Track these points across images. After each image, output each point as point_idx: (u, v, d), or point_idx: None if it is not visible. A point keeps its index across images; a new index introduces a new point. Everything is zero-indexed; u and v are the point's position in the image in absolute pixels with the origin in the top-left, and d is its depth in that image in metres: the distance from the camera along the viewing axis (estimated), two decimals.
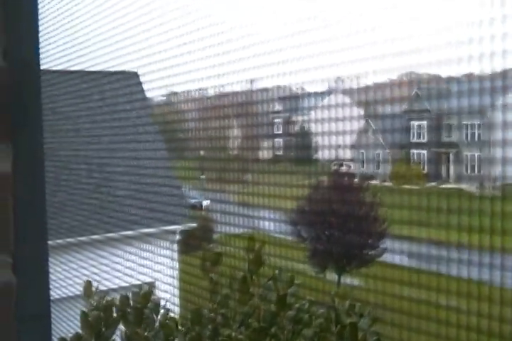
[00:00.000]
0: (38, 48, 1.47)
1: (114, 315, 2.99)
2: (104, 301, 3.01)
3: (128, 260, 7.96)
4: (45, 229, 1.45)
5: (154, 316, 2.93)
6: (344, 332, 2.70)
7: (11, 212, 1.37)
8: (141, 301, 2.88)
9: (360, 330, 2.73)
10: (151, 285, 6.31)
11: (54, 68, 7.88)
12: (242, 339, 2.60)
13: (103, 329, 2.91)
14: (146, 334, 2.89)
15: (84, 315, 2.91)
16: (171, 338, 2.84)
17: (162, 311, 2.97)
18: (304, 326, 2.72)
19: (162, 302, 3.17)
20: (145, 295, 2.91)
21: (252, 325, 2.67)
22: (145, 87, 10.06)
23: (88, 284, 3.15)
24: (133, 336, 2.87)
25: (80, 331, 2.94)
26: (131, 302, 2.92)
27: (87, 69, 8.72)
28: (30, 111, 1.42)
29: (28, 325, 1.44)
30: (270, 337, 2.75)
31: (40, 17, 1.71)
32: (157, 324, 2.94)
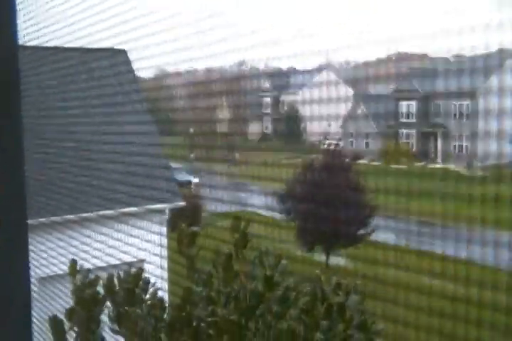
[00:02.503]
0: (15, 24, 1.43)
1: (101, 293, 2.99)
2: (87, 280, 3.00)
3: (117, 238, 7.95)
4: (24, 208, 1.43)
5: (143, 296, 2.94)
6: (331, 310, 2.72)
7: None
8: (131, 281, 2.88)
9: (347, 308, 2.76)
10: (142, 263, 6.31)
11: (37, 44, 7.76)
12: (228, 319, 2.61)
13: (94, 306, 2.92)
14: (136, 312, 2.90)
15: (76, 292, 2.91)
16: (160, 317, 2.86)
17: (151, 290, 2.97)
18: (291, 305, 2.74)
19: (151, 281, 3.17)
20: (136, 274, 2.90)
21: (238, 304, 2.68)
22: (133, 64, 9.95)
23: (73, 263, 3.13)
24: (123, 315, 2.87)
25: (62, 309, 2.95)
26: (119, 282, 2.93)
27: (72, 46, 8.61)
28: (9, 86, 1.39)
29: (8, 304, 1.42)
30: (257, 316, 2.77)
31: None
32: (146, 303, 2.95)
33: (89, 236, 8.01)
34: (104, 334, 3.03)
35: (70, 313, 2.83)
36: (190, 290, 2.70)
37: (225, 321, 2.65)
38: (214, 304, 2.72)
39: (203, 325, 2.73)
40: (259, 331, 2.71)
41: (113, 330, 2.94)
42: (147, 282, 2.92)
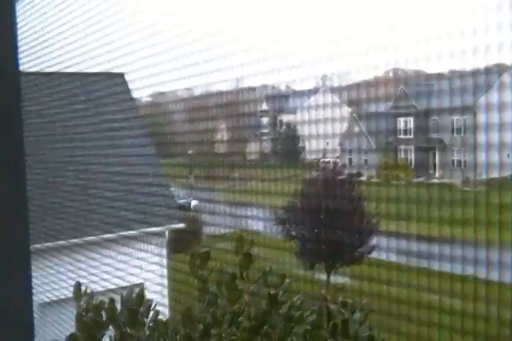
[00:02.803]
0: (16, 49, 1.44)
1: (104, 317, 2.97)
2: (93, 303, 2.99)
3: (118, 261, 7.93)
4: (26, 233, 1.42)
5: (144, 318, 2.92)
6: (336, 329, 2.70)
7: None
8: (134, 303, 2.87)
9: (352, 325, 2.74)
10: (141, 287, 6.27)
11: (36, 70, 7.83)
12: (233, 339, 2.59)
13: (96, 330, 2.90)
14: (138, 335, 2.88)
15: (79, 317, 2.89)
16: (162, 339, 2.84)
17: (152, 313, 2.96)
18: (296, 324, 2.72)
19: (152, 304, 3.16)
20: (138, 296, 2.89)
21: (242, 323, 2.67)
22: (131, 87, 10.01)
23: (77, 286, 3.13)
24: (125, 337, 2.85)
25: (68, 334, 2.93)
26: (122, 304, 2.91)
27: (72, 71, 8.68)
28: (11, 113, 1.39)
29: (10, 331, 1.41)
30: (262, 335, 2.75)
31: (18, 19, 1.68)
32: (148, 325, 2.92)
33: (90, 260, 8.00)
34: None
35: (71, 338, 2.82)
36: (191, 311, 2.69)
37: None
38: (218, 324, 2.71)
39: None
40: None
41: None
42: (149, 305, 2.91)
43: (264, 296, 2.72)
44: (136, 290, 3.13)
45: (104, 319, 2.94)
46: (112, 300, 2.90)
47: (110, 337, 2.98)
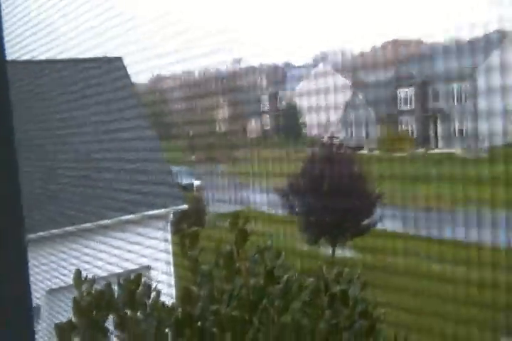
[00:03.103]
0: (2, 39, 1.42)
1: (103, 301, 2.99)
2: (94, 289, 3.00)
3: (122, 246, 7.94)
4: (21, 223, 1.42)
5: (146, 300, 2.93)
6: (334, 299, 2.71)
7: None
8: (131, 284, 2.88)
9: (350, 297, 2.75)
10: (147, 269, 6.32)
11: (29, 58, 7.78)
12: (232, 315, 2.60)
13: (94, 315, 2.91)
14: (138, 316, 2.90)
15: (76, 302, 2.90)
16: (162, 319, 2.85)
17: (153, 294, 2.97)
18: (294, 297, 2.73)
19: (153, 285, 3.17)
20: (135, 278, 2.90)
21: (241, 300, 2.67)
22: (129, 70, 9.95)
23: (77, 273, 3.13)
24: (124, 320, 2.87)
25: (71, 318, 2.95)
26: (118, 287, 2.92)
27: (68, 58, 8.62)
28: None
29: (10, 320, 1.42)
30: (260, 311, 2.76)
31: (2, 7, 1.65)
32: (149, 306, 2.94)
33: (93, 246, 8.02)
34: None
35: (71, 323, 2.83)
36: (189, 290, 2.70)
37: (228, 318, 2.64)
38: (217, 302, 2.72)
39: (206, 324, 2.72)
40: (263, 326, 2.70)
41: (117, 337, 2.94)
42: (148, 286, 2.92)
43: (261, 270, 2.73)
44: (137, 273, 3.14)
45: (103, 304, 2.95)
46: (109, 284, 2.92)
47: (113, 321, 2.99)
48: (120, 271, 6.28)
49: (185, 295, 2.78)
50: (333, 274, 2.85)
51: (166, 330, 2.79)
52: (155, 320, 2.79)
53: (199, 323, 2.75)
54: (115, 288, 2.94)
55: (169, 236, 9.63)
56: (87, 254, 7.51)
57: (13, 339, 1.39)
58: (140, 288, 2.91)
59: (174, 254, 8.52)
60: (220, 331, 2.68)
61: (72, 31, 6.19)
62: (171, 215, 10.28)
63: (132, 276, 2.98)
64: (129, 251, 7.52)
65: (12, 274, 1.39)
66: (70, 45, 6.76)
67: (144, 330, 2.74)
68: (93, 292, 3.00)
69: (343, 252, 14.79)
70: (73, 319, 2.86)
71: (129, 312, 2.84)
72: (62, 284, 6.93)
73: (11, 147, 1.38)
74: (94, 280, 3.14)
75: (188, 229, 2.91)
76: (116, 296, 2.86)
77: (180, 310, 2.84)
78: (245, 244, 2.87)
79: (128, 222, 9.17)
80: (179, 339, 2.78)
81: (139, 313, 2.91)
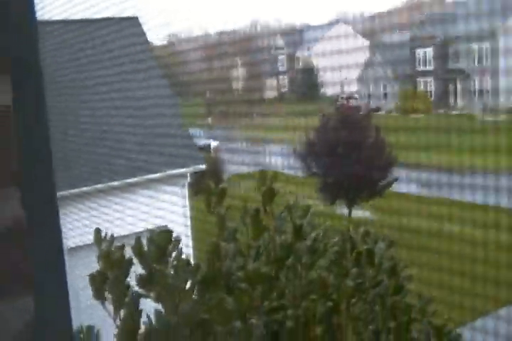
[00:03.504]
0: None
1: (127, 256, 3.03)
2: (114, 245, 3.04)
3: (142, 204, 8.02)
4: (51, 178, 1.43)
5: (172, 255, 2.97)
6: (360, 258, 2.74)
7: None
8: (163, 238, 2.92)
9: (376, 256, 2.78)
10: (167, 228, 6.36)
11: (52, 18, 7.73)
12: (259, 271, 2.64)
13: (123, 269, 2.96)
14: (165, 272, 2.94)
15: (104, 254, 2.95)
16: (189, 275, 2.89)
17: (175, 252, 3.01)
18: (320, 255, 2.76)
19: (179, 243, 3.21)
20: (166, 233, 2.94)
21: (268, 256, 2.71)
22: (146, 30, 9.88)
23: (97, 231, 3.18)
24: (154, 274, 2.91)
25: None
26: (148, 242, 2.97)
27: (85, 18, 8.56)
28: (30, 63, 1.37)
29: (43, 272, 1.44)
30: (287, 268, 2.80)
31: None
32: (172, 263, 2.98)
33: (116, 204, 8.10)
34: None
35: (101, 275, 2.88)
36: (217, 245, 2.73)
37: (256, 274, 2.68)
38: (244, 259, 2.75)
39: (233, 279, 2.76)
40: (289, 282, 2.74)
41: (141, 294, 2.98)
42: (178, 240, 2.96)
43: (288, 228, 2.75)
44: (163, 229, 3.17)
45: (129, 257, 2.99)
46: (139, 239, 2.95)
47: (136, 274, 3.03)
48: (137, 230, 6.34)
49: (213, 250, 2.82)
50: (360, 234, 2.87)
51: (193, 286, 2.84)
52: (183, 275, 2.84)
53: (226, 279, 2.79)
54: (144, 243, 2.98)
55: (187, 196, 9.70)
56: (101, 214, 7.59)
57: (47, 292, 1.42)
58: (170, 244, 2.94)
59: (193, 213, 8.59)
60: (247, 286, 2.72)
61: None
62: (189, 176, 10.33)
63: (161, 232, 3.02)
64: (146, 212, 7.59)
65: (45, 230, 1.42)
66: (85, 6, 6.70)
67: (172, 285, 2.78)
68: (119, 246, 3.04)
69: (360, 213, 14.85)
70: (103, 270, 2.90)
71: (158, 267, 2.88)
72: (80, 243, 7.03)
73: (42, 108, 1.38)
74: (113, 239, 3.18)
75: (215, 186, 2.93)
76: (145, 251, 2.90)
77: (206, 266, 2.88)
78: (272, 202, 2.89)
79: (145, 181, 9.22)
80: (206, 294, 2.83)
81: (166, 268, 2.95)
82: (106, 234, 3.24)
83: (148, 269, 2.91)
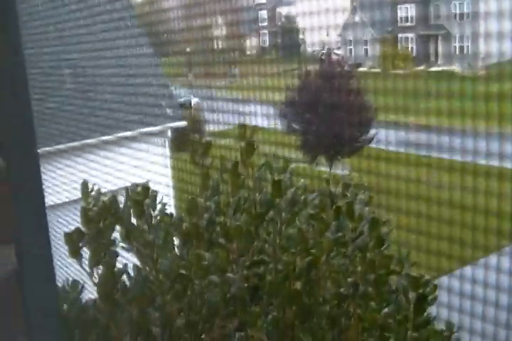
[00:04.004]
0: None
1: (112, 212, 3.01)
2: (101, 200, 3.02)
3: (122, 161, 7.97)
4: (33, 136, 1.41)
5: (151, 211, 2.96)
6: (340, 211, 2.75)
7: None
8: (141, 192, 2.90)
9: (356, 207, 2.79)
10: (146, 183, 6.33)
11: None
12: (238, 225, 2.64)
13: (101, 225, 2.95)
14: (144, 227, 2.93)
15: (84, 211, 2.92)
16: (168, 231, 2.89)
17: (159, 206, 2.99)
18: (300, 208, 2.76)
19: (159, 198, 3.20)
20: (143, 189, 2.92)
21: (248, 210, 2.71)
22: None
23: (84, 184, 3.14)
24: (132, 230, 2.91)
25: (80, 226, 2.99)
26: (126, 197, 2.95)
27: None
28: (7, 19, 1.32)
29: (26, 225, 1.43)
30: (267, 221, 2.80)
31: None
32: (155, 217, 2.97)
33: (93, 161, 8.05)
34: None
35: (78, 233, 2.87)
36: (196, 201, 2.73)
37: (235, 229, 2.68)
38: (223, 213, 2.75)
39: (213, 234, 2.77)
40: (269, 236, 2.75)
41: (124, 248, 2.99)
42: (155, 196, 2.95)
43: (267, 184, 2.75)
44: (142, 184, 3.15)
45: (110, 214, 2.98)
46: (114, 197, 2.94)
47: (120, 233, 3.03)
48: (120, 186, 6.31)
49: (191, 206, 2.81)
50: (339, 188, 2.87)
51: (173, 240, 2.84)
52: (162, 231, 2.84)
53: (206, 234, 2.79)
54: (121, 199, 2.96)
55: (168, 153, 9.67)
56: (82, 171, 7.53)
57: (31, 249, 1.41)
58: (147, 199, 2.93)
59: (174, 169, 8.56)
60: (227, 241, 2.72)
61: None
62: (169, 132, 10.28)
63: (139, 187, 3.00)
64: (126, 168, 7.55)
65: (28, 185, 1.40)
66: None
67: (151, 240, 2.78)
68: (100, 202, 3.02)
69: (340, 170, 14.93)
70: (81, 227, 2.90)
71: (136, 222, 2.88)
72: (58, 201, 6.98)
73: (21, 64, 1.34)
74: (100, 192, 3.16)
75: (201, 139, 2.92)
76: (122, 207, 2.89)
77: (186, 221, 2.88)
78: (252, 156, 2.88)
79: (126, 139, 9.16)
80: (185, 249, 2.83)
81: (145, 224, 2.95)
82: (92, 188, 3.21)
83: (125, 226, 2.91)
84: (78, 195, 3.35)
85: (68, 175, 7.26)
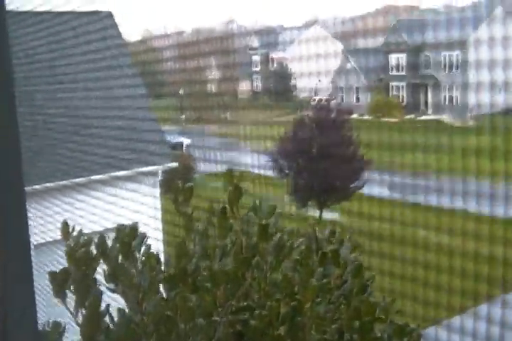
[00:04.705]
0: None
1: (94, 252, 3.00)
2: (83, 240, 3.01)
3: (111, 202, 7.95)
4: (20, 174, 1.42)
5: (137, 253, 2.95)
6: (326, 258, 2.75)
7: None
8: (128, 234, 2.90)
9: (341, 257, 2.80)
10: (135, 224, 6.32)
11: (21, 9, 7.60)
12: (224, 270, 2.64)
13: (89, 265, 2.94)
14: (130, 268, 2.92)
15: (70, 251, 2.91)
16: (153, 274, 2.88)
17: (144, 248, 2.99)
18: (286, 254, 2.77)
19: (145, 238, 3.20)
20: (131, 230, 2.92)
21: (234, 256, 2.71)
22: (120, 27, 9.80)
23: (65, 225, 3.13)
24: (118, 270, 2.90)
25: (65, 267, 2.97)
26: (115, 238, 2.95)
27: (58, 10, 8.45)
28: None
29: (9, 271, 1.43)
30: (252, 267, 2.80)
31: None
32: (141, 259, 2.96)
33: (82, 201, 8.02)
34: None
35: (64, 273, 2.86)
36: (184, 245, 2.73)
37: (221, 273, 2.68)
38: (210, 258, 2.76)
39: (199, 278, 2.77)
40: (255, 281, 2.75)
41: (109, 289, 2.97)
42: (143, 236, 2.95)
43: (254, 228, 2.76)
44: (130, 225, 3.15)
45: (94, 254, 2.97)
46: (102, 236, 2.94)
47: (104, 270, 3.01)
48: (105, 228, 6.28)
49: (179, 250, 2.82)
50: (325, 234, 2.89)
51: (159, 284, 2.83)
52: (148, 274, 2.83)
53: (192, 278, 2.79)
54: (109, 239, 2.97)
55: (158, 194, 9.66)
56: (68, 211, 7.49)
57: (13, 288, 1.42)
58: (135, 240, 2.94)
59: (164, 211, 8.54)
60: (213, 286, 2.72)
61: None
62: (160, 173, 10.29)
63: (127, 228, 3.01)
64: (117, 208, 7.52)
65: (12, 224, 1.41)
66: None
67: (136, 283, 2.78)
68: (86, 242, 3.02)
69: (330, 215, 14.94)
70: (68, 268, 2.89)
71: (123, 263, 2.88)
72: (48, 239, 6.93)
73: (11, 100, 1.37)
74: (81, 233, 3.16)
75: (182, 185, 2.94)
76: (110, 247, 2.89)
77: (173, 264, 2.88)
78: (239, 201, 2.90)
79: (116, 178, 9.16)
80: (172, 293, 2.83)
81: (132, 266, 2.94)
82: (73, 229, 3.20)
83: (112, 266, 2.90)
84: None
85: (55, 215, 7.22)
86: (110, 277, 2.92)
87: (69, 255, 2.92)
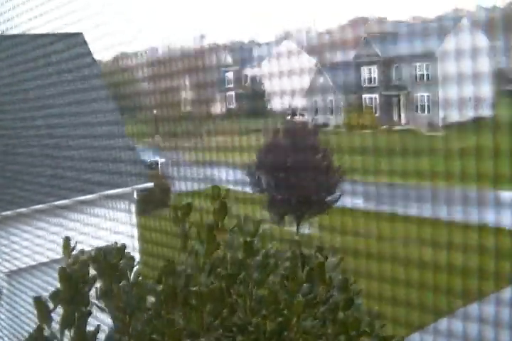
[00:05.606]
0: None
1: (91, 271, 2.97)
2: (81, 258, 2.97)
3: (90, 224, 7.87)
4: None
5: (128, 272, 2.93)
6: (312, 274, 2.75)
7: None
8: (115, 257, 2.87)
9: (326, 271, 2.80)
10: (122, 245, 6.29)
11: None
12: (210, 288, 2.63)
13: (81, 285, 2.90)
14: (120, 289, 2.90)
15: (63, 271, 2.86)
16: (143, 293, 2.86)
17: (135, 268, 2.96)
18: (271, 270, 2.76)
19: (135, 260, 3.18)
20: (119, 250, 2.89)
21: (220, 272, 2.70)
22: (91, 48, 9.76)
23: (66, 241, 3.09)
24: (108, 292, 2.87)
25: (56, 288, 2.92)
26: (104, 258, 2.92)
27: (28, 33, 8.40)
28: None
29: None
30: (239, 283, 2.79)
31: None
32: (131, 279, 2.94)
33: (59, 225, 7.92)
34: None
35: (56, 294, 2.82)
36: (173, 264, 2.72)
37: (207, 291, 2.67)
38: (198, 276, 2.75)
39: (188, 296, 2.75)
40: (241, 298, 2.74)
41: (99, 307, 2.95)
42: (130, 258, 2.93)
43: (239, 245, 2.76)
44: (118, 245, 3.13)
45: (89, 274, 2.94)
46: (99, 253, 2.90)
47: (96, 289, 2.98)
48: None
49: (168, 269, 2.81)
50: (311, 250, 2.90)
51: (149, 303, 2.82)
52: (138, 293, 2.82)
53: (181, 296, 2.78)
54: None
55: (133, 215, 9.58)
56: (40, 237, 7.37)
57: None
58: (122, 260, 2.92)
59: (140, 232, 8.48)
60: (200, 303, 2.71)
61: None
62: (135, 193, 10.21)
63: (115, 249, 2.99)
64: (95, 230, 7.43)
65: None
66: (24, 19, 6.56)
67: (127, 302, 2.76)
68: (80, 261, 2.99)
69: (307, 230, 14.94)
70: (59, 287, 2.85)
71: (107, 285, 2.86)
72: (22, 266, 6.82)
73: None
74: (82, 252, 3.13)
75: (181, 202, 2.93)
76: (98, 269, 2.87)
77: (162, 283, 2.86)
78: (225, 216, 2.90)
79: (91, 201, 9.06)
80: (162, 311, 2.81)
81: (121, 285, 2.92)
82: (75, 245, 3.16)
83: (103, 286, 2.88)
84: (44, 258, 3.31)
85: (19, 242, 7.13)
86: (100, 296, 2.90)
87: (61, 274, 2.88)
